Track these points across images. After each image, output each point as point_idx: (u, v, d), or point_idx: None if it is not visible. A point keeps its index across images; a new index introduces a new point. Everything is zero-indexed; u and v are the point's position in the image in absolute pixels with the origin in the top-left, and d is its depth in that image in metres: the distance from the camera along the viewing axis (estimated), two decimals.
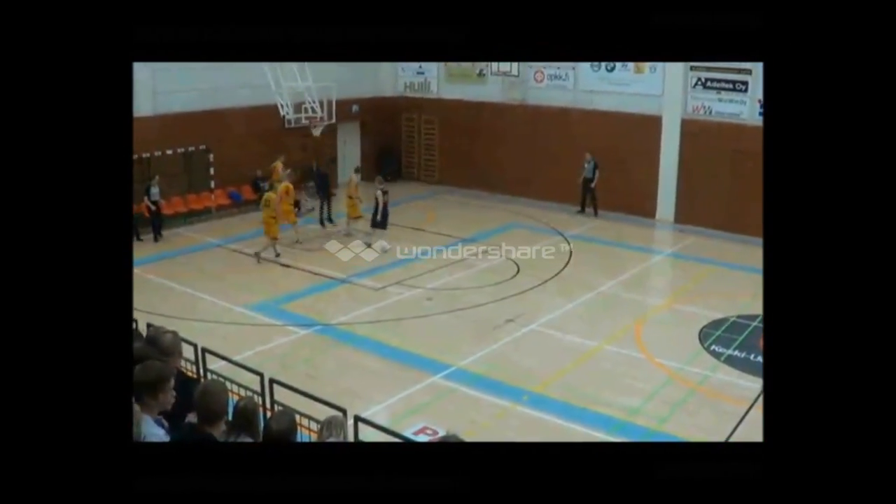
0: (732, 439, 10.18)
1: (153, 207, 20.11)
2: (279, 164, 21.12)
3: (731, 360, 12.75)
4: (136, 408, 4.78)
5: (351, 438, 6.55)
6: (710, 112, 21.45)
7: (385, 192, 19.34)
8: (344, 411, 7.15)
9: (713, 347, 13.45)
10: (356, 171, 21.52)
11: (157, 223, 20.37)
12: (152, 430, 4.82)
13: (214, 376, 8.72)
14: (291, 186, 19.45)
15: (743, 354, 13.03)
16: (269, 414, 7.78)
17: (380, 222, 19.33)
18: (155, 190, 20.08)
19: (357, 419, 7.58)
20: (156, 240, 20.20)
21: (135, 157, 20.84)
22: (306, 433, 7.07)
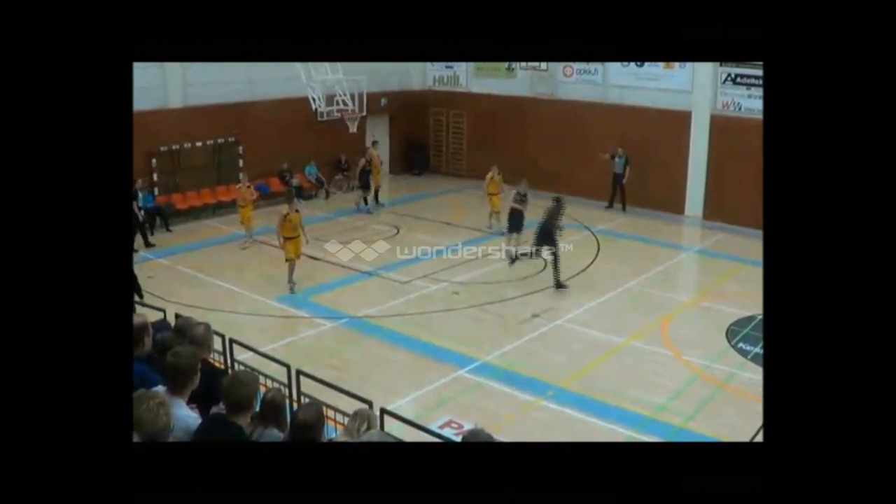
0: (757, 439, 10.12)
1: (142, 213, 18.98)
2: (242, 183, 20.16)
3: (757, 358, 12.62)
4: (165, 392, 4.88)
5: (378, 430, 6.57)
6: (740, 108, 21.25)
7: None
8: (370, 403, 7.19)
9: (740, 345, 13.36)
10: (496, 171, 20.62)
11: (143, 230, 19.09)
12: (185, 413, 4.90)
13: (242, 367, 8.80)
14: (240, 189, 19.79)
15: None
16: (295, 405, 7.84)
17: (517, 225, 18.24)
18: (140, 195, 18.96)
19: (383, 412, 7.61)
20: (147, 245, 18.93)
21: (164, 149, 21.08)
22: (332, 425, 7.13)
